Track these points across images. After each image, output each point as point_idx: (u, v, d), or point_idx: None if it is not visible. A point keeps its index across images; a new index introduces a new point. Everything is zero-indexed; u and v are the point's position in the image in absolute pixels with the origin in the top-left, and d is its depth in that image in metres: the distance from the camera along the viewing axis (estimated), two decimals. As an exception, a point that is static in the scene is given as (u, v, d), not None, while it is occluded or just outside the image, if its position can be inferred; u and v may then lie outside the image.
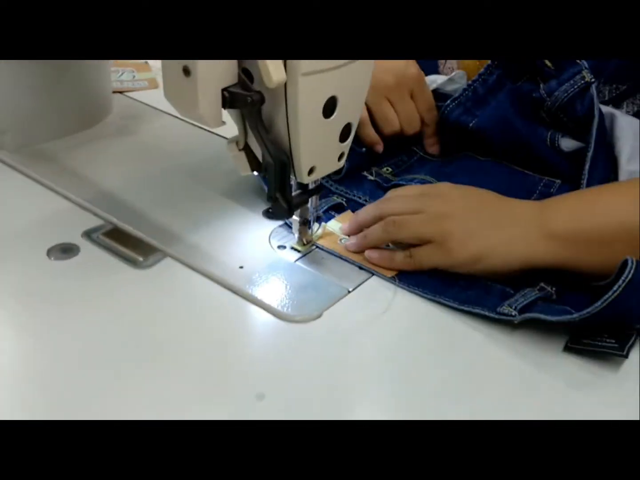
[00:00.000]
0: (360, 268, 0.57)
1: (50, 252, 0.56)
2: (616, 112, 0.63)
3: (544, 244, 0.52)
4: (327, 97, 0.50)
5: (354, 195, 0.65)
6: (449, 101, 0.69)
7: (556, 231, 0.52)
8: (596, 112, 0.60)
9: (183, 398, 0.45)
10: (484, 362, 0.49)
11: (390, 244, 0.58)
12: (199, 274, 0.56)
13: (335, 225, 0.61)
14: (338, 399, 0.46)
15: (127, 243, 0.58)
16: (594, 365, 0.49)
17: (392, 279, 0.55)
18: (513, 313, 0.50)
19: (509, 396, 0.47)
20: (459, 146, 0.70)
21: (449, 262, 0.54)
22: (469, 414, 0.45)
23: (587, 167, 0.59)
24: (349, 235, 0.59)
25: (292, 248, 0.58)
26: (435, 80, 0.74)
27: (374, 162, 0.69)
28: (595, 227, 0.52)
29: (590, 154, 0.59)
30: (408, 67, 0.69)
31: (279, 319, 0.52)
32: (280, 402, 0.45)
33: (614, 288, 0.47)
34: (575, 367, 0.49)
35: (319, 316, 0.52)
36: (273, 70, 0.46)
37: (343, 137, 0.54)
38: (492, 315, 0.51)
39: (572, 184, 0.63)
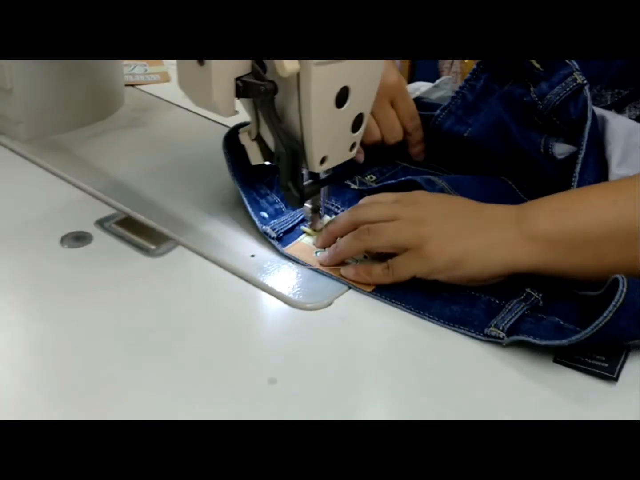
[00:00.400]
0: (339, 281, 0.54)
1: (63, 240, 0.57)
2: (607, 114, 0.61)
3: (525, 247, 0.51)
4: (339, 87, 0.51)
5: (332, 204, 0.63)
6: (438, 111, 0.67)
7: (537, 233, 0.51)
8: (589, 115, 0.58)
9: (196, 383, 0.46)
10: (491, 351, 0.49)
11: (365, 254, 0.56)
12: (210, 262, 0.56)
13: (308, 239, 0.59)
14: (347, 385, 0.47)
15: (139, 232, 0.59)
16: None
17: (372, 294, 0.53)
18: (501, 335, 0.49)
19: (507, 394, 0.47)
20: (453, 156, 0.69)
21: (428, 269, 0.52)
22: (472, 403, 0.45)
23: (577, 169, 0.57)
24: (323, 248, 0.57)
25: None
26: (418, 88, 0.72)
27: (357, 172, 0.67)
28: (576, 228, 0.51)
29: (581, 157, 0.58)
30: (388, 74, 0.66)
31: (290, 306, 0.52)
32: (291, 386, 0.46)
33: (605, 314, 0.45)
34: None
35: (330, 304, 0.53)
36: (286, 61, 0.47)
37: (355, 128, 0.54)
38: (479, 337, 0.50)
39: None
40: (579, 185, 0.57)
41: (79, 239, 0.57)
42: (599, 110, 0.61)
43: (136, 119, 0.80)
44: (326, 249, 0.57)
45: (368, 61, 0.52)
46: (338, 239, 0.56)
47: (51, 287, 0.53)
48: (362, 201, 0.58)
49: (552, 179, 0.61)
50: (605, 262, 0.50)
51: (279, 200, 0.62)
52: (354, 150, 0.56)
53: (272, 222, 0.59)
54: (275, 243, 0.57)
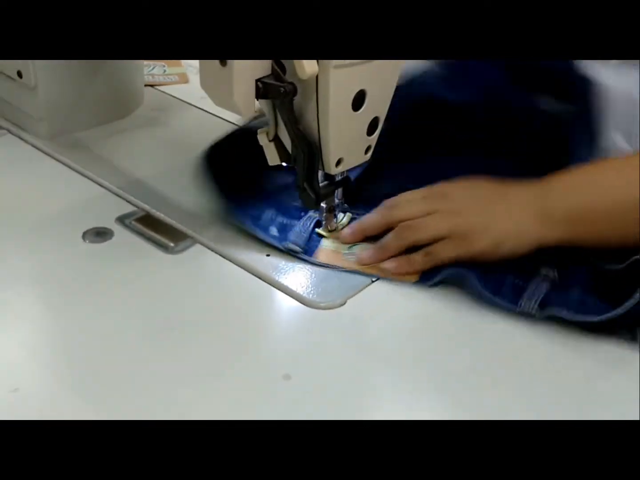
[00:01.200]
0: (378, 279, 0.56)
1: (85, 236, 0.58)
2: (604, 76, 0.61)
3: (548, 224, 0.54)
4: (356, 90, 0.52)
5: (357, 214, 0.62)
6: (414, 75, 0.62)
7: (557, 211, 0.55)
8: (588, 77, 0.59)
9: (213, 378, 0.47)
10: (504, 350, 0.50)
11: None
12: (227, 261, 0.57)
13: (327, 242, 0.59)
14: (359, 382, 0.48)
15: (159, 229, 0.60)
16: (594, 364, 0.49)
17: (416, 284, 0.55)
18: (533, 311, 0.52)
19: (512, 394, 0.47)
20: (427, 131, 0.65)
21: (471, 252, 0.55)
22: (483, 403, 0.46)
23: (572, 129, 0.59)
24: (350, 243, 0.59)
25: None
26: None
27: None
28: (593, 205, 0.54)
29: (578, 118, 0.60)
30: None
31: (304, 305, 0.53)
32: (305, 382, 0.47)
33: (636, 295, 0.48)
34: (574, 367, 0.49)
35: (343, 304, 0.54)
36: (306, 63, 0.48)
37: (370, 131, 0.55)
38: (512, 309, 0.52)
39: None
40: (572, 144, 0.60)
41: (100, 234, 0.59)
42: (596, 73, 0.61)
43: (155, 118, 0.81)
44: (355, 247, 0.58)
45: (385, 66, 0.53)
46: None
47: (73, 281, 0.54)
48: (390, 202, 0.59)
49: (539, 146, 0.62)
50: (625, 233, 0.53)
51: (275, 213, 0.61)
52: (369, 153, 0.57)
53: (288, 237, 0.59)
54: (305, 257, 0.57)
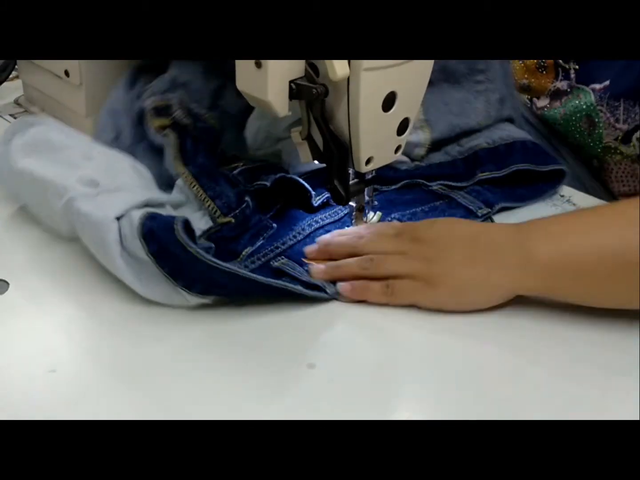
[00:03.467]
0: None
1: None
2: None
3: (525, 272, 0.51)
4: (387, 92, 0.53)
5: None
6: None
7: (536, 258, 0.51)
8: None
9: (240, 367, 0.49)
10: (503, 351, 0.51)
11: None
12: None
13: None
14: (383, 373, 0.50)
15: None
16: (594, 364, 0.50)
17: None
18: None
19: (511, 394, 0.48)
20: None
21: (431, 300, 0.53)
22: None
23: None
24: (311, 260, 0.57)
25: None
26: None
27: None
28: (574, 254, 0.50)
29: None
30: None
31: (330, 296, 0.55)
32: (328, 371, 0.49)
33: None
34: (574, 365, 0.50)
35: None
36: (338, 65, 0.50)
37: (400, 131, 0.57)
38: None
39: None
40: None
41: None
42: None
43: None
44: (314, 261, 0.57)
45: (415, 67, 0.54)
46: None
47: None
48: (362, 230, 0.58)
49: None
50: (606, 290, 0.50)
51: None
52: (399, 152, 0.59)
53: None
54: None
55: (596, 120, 0.72)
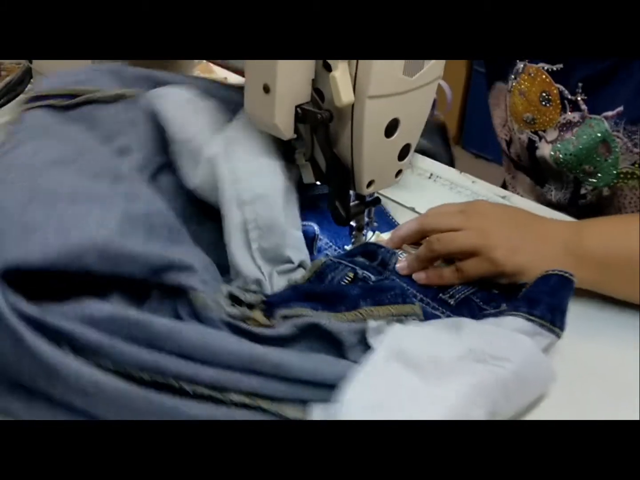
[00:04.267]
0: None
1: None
2: None
3: (573, 264, 0.55)
4: (390, 118, 0.55)
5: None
6: None
7: (585, 254, 0.56)
8: None
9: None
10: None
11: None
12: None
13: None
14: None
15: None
16: (594, 364, 0.51)
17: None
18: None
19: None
20: None
21: (496, 272, 0.57)
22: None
23: None
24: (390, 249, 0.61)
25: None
26: None
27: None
28: (622, 254, 0.56)
29: None
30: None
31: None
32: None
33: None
34: (574, 365, 0.51)
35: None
36: (343, 92, 0.51)
37: (402, 156, 0.59)
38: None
39: None
40: None
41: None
42: None
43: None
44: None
45: (418, 96, 0.56)
46: (405, 245, 0.62)
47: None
48: (428, 212, 0.63)
49: None
50: None
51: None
52: (400, 177, 0.60)
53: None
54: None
55: (612, 146, 0.73)
